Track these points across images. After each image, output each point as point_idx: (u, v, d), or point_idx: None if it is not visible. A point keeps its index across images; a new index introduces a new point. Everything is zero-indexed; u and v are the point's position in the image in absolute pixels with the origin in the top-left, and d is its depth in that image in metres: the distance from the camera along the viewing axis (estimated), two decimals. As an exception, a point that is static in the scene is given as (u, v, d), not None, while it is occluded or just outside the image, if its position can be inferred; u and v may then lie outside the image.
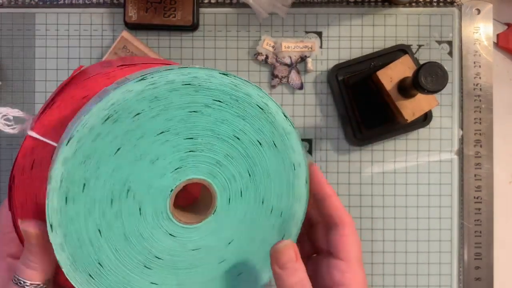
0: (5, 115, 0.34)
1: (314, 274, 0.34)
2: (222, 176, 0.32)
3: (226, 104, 0.31)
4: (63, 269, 0.29)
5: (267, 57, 0.48)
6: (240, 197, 0.33)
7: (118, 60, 0.36)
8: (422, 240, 0.48)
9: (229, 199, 0.33)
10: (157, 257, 0.31)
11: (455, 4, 0.49)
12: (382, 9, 0.48)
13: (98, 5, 0.48)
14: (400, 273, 0.48)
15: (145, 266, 0.31)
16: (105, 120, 0.28)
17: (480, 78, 0.48)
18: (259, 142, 0.33)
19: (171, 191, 0.31)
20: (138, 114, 0.29)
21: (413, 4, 0.49)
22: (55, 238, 0.28)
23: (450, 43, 0.48)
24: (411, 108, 0.42)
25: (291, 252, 0.31)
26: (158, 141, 0.30)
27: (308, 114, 0.48)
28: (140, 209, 0.30)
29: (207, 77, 0.30)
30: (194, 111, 0.30)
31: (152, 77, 0.29)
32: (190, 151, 0.31)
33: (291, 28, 0.48)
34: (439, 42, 0.48)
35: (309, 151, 0.48)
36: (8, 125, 0.33)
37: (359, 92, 0.47)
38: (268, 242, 0.34)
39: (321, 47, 0.48)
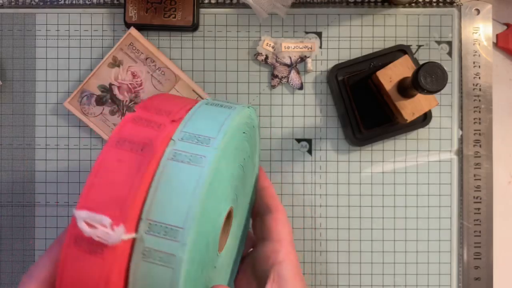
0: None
1: (254, 261, 0.37)
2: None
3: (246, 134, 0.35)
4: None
5: (267, 57, 0.48)
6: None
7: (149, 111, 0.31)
8: (422, 240, 0.48)
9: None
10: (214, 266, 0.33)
11: (454, 4, 0.49)
12: (382, 10, 0.49)
13: (98, 5, 0.49)
14: (399, 273, 0.48)
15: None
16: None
17: (479, 78, 0.48)
18: (242, 166, 0.36)
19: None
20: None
21: (413, 4, 0.49)
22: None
23: (449, 43, 0.48)
24: (410, 108, 0.43)
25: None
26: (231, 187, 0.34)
27: (308, 114, 0.48)
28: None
29: (246, 114, 0.34)
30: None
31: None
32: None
33: (291, 28, 0.48)
34: (439, 43, 0.48)
35: (309, 151, 0.48)
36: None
37: (359, 92, 0.47)
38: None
39: (320, 47, 0.48)
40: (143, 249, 0.24)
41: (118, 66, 0.47)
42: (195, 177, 0.25)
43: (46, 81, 0.48)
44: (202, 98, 0.47)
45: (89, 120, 0.47)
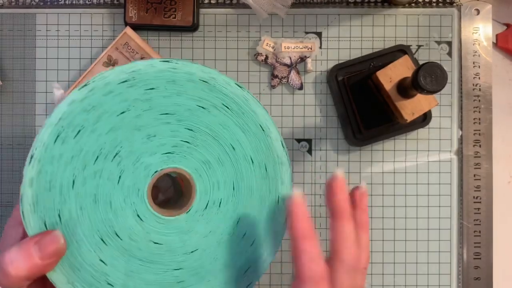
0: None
1: None
2: (208, 178, 0.33)
3: (232, 112, 0.33)
4: (22, 207, 0.29)
5: (267, 57, 0.48)
6: (217, 207, 0.33)
7: None
8: (422, 239, 0.48)
9: (207, 205, 0.33)
10: (116, 234, 0.31)
11: (454, 4, 0.49)
12: (382, 10, 0.49)
13: (98, 5, 0.49)
14: (399, 273, 0.48)
15: (101, 239, 0.31)
16: (122, 82, 0.30)
17: (479, 78, 0.48)
18: (252, 160, 0.33)
19: (155, 172, 0.31)
20: (152, 88, 0.31)
21: (413, 4, 0.49)
22: (29, 171, 0.29)
23: (449, 43, 0.48)
24: (410, 108, 0.43)
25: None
26: (160, 120, 0.31)
27: (307, 114, 0.48)
28: (120, 177, 0.31)
29: (224, 82, 0.32)
30: (202, 107, 0.32)
31: (177, 63, 0.31)
32: (186, 142, 0.32)
33: (291, 28, 0.48)
34: (439, 43, 0.49)
35: (309, 151, 0.48)
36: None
37: (359, 92, 0.47)
38: (231, 267, 0.33)
39: (320, 47, 0.48)
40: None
41: (113, 65, 0.47)
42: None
43: (46, 81, 0.48)
44: None
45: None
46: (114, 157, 0.31)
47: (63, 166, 0.30)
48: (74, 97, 0.30)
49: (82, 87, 0.30)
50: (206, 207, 0.33)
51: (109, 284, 0.31)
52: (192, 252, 0.33)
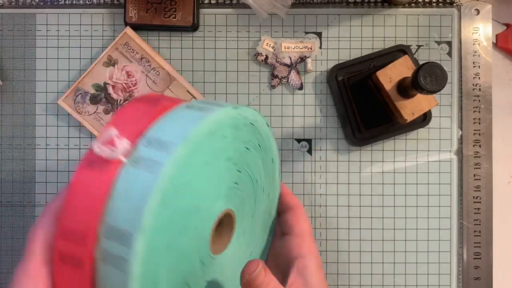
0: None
1: (276, 255, 0.38)
2: (241, 212, 0.35)
3: (261, 149, 0.36)
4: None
5: (267, 57, 0.48)
6: (239, 237, 0.35)
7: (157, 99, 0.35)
8: (422, 239, 0.48)
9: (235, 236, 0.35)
10: (188, 285, 0.31)
11: (454, 4, 0.49)
12: (382, 10, 0.49)
13: (98, 5, 0.49)
14: (399, 273, 0.48)
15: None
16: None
17: (479, 78, 0.48)
18: (263, 190, 0.36)
19: (220, 211, 0.32)
20: (224, 136, 0.32)
21: (413, 4, 0.49)
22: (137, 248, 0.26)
23: (449, 43, 0.48)
24: (410, 108, 0.43)
25: (261, 274, 0.31)
26: (225, 164, 0.32)
27: (307, 114, 0.48)
28: (197, 228, 0.31)
29: (261, 124, 0.35)
30: (247, 148, 0.34)
31: (241, 108, 0.32)
32: (236, 183, 0.33)
33: (291, 28, 0.48)
34: (439, 43, 0.49)
35: (309, 151, 0.48)
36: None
37: (359, 92, 0.47)
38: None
39: (320, 47, 0.48)
40: (102, 253, 0.26)
41: (113, 65, 0.47)
42: (147, 184, 0.25)
43: (46, 81, 0.48)
44: (196, 99, 0.48)
45: (83, 118, 0.47)
46: (196, 209, 0.30)
47: (160, 234, 0.27)
48: (178, 155, 0.27)
49: (185, 142, 0.27)
50: (235, 242, 0.35)
51: None
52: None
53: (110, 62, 0.47)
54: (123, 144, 0.28)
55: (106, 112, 0.47)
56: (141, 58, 0.47)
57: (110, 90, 0.47)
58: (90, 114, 0.47)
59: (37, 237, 0.30)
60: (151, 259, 0.26)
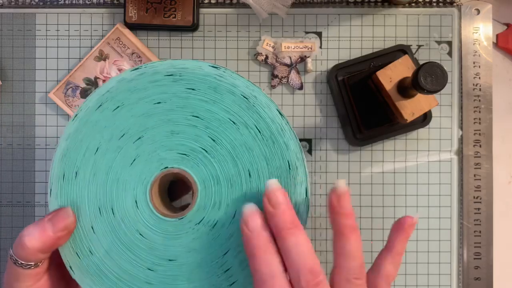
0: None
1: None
2: (212, 194, 0.32)
3: (262, 137, 0.31)
4: (54, 155, 0.32)
5: (267, 57, 0.48)
6: (211, 228, 0.31)
7: None
8: (422, 239, 0.48)
9: (201, 220, 0.31)
10: (112, 209, 0.32)
11: (454, 4, 0.49)
12: (382, 10, 0.49)
13: (98, 5, 0.49)
14: (399, 273, 0.48)
15: (99, 208, 0.32)
16: (169, 75, 0.32)
17: (479, 78, 0.48)
18: (232, 121, 0.31)
19: (164, 168, 0.32)
20: (192, 89, 0.32)
21: (413, 4, 0.49)
22: (69, 127, 0.32)
23: (449, 43, 0.48)
24: (410, 108, 0.43)
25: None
26: (189, 121, 0.32)
27: (308, 114, 0.48)
28: (134, 160, 0.32)
29: (265, 104, 0.32)
30: (233, 122, 0.32)
31: (224, 72, 0.32)
32: (203, 149, 0.32)
33: (291, 28, 0.48)
34: (439, 42, 0.49)
35: (309, 151, 0.48)
36: None
37: (359, 92, 0.47)
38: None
39: (320, 47, 0.48)
40: None
41: (104, 60, 0.47)
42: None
43: (46, 81, 0.48)
44: None
45: (73, 112, 0.47)
46: (136, 140, 0.32)
47: (95, 132, 0.32)
48: (125, 76, 0.32)
49: (134, 69, 0.32)
50: (199, 223, 0.31)
51: (90, 252, 0.32)
52: (169, 260, 0.32)
53: (102, 57, 0.47)
54: None
55: None
56: (132, 53, 0.47)
57: (101, 84, 0.47)
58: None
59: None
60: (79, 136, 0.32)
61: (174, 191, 0.39)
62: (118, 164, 0.32)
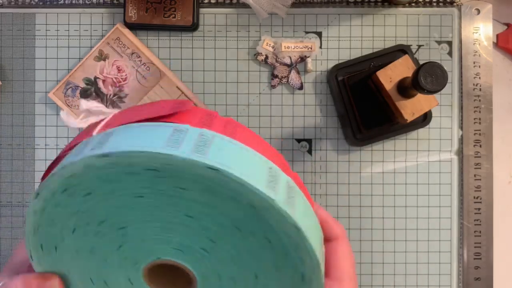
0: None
1: None
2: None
3: (272, 248, 0.26)
4: (25, 226, 0.28)
5: (267, 57, 0.48)
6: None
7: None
8: (422, 240, 0.48)
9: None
10: (105, 283, 0.29)
11: (454, 4, 0.49)
12: (382, 10, 0.48)
13: (98, 5, 0.49)
14: (399, 273, 0.48)
15: (90, 279, 0.29)
16: (150, 170, 0.24)
17: (479, 78, 0.48)
18: (237, 228, 0.26)
19: (158, 258, 0.28)
20: (183, 188, 0.24)
21: (413, 4, 0.49)
22: (34, 205, 0.26)
23: (449, 43, 0.48)
24: (410, 108, 0.43)
25: None
26: (182, 220, 0.26)
27: (308, 114, 0.48)
28: (121, 246, 0.28)
29: (187, 167, 0.23)
30: (238, 229, 0.25)
31: (117, 157, 0.24)
32: (203, 249, 0.27)
33: (291, 28, 0.48)
34: (439, 42, 0.48)
35: (309, 151, 0.48)
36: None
37: (359, 92, 0.47)
38: None
39: (320, 47, 0.48)
40: None
41: (104, 59, 0.47)
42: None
43: (46, 81, 0.48)
44: (186, 96, 0.47)
45: (73, 111, 0.47)
46: (120, 229, 0.27)
47: (67, 215, 0.26)
48: (92, 162, 0.24)
49: (103, 156, 0.24)
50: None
51: None
52: None
53: (101, 57, 0.47)
54: None
55: None
56: (132, 53, 0.47)
57: (100, 84, 0.47)
58: (79, 108, 0.47)
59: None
60: (48, 221, 0.27)
61: None
62: (103, 247, 0.27)
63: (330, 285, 0.29)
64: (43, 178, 0.29)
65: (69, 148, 0.28)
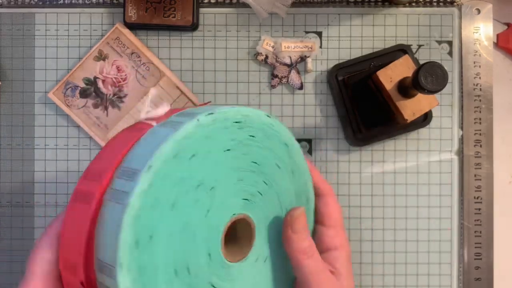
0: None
1: None
2: (265, 232, 0.34)
3: (294, 178, 0.35)
4: (123, 217, 0.26)
5: (267, 57, 0.48)
6: (263, 262, 0.34)
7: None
8: (422, 240, 0.48)
9: (257, 259, 0.33)
10: (188, 269, 0.29)
11: (455, 4, 0.49)
12: (382, 9, 0.48)
13: (97, 5, 0.48)
14: (400, 273, 0.48)
15: (175, 271, 0.28)
16: (236, 122, 0.31)
17: (480, 78, 0.48)
18: (278, 166, 0.34)
19: (233, 215, 0.32)
20: (253, 136, 0.32)
21: (413, 4, 0.49)
22: (143, 181, 0.26)
23: (450, 43, 0.48)
24: (411, 108, 0.42)
25: (304, 220, 0.33)
26: (250, 167, 0.32)
27: (308, 114, 0.48)
28: (208, 211, 0.30)
29: (297, 151, 0.35)
30: (279, 167, 0.34)
31: (275, 121, 0.33)
32: (260, 193, 0.33)
33: (291, 28, 0.48)
34: (439, 42, 0.48)
35: (309, 151, 0.48)
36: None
37: (359, 92, 0.47)
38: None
39: (321, 47, 0.48)
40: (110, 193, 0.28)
41: (104, 59, 0.47)
42: (118, 216, 0.26)
43: (45, 81, 0.48)
44: (186, 96, 0.47)
45: (72, 112, 0.47)
46: (210, 190, 0.30)
47: (171, 186, 0.28)
48: (202, 121, 0.29)
49: (208, 114, 0.30)
50: (256, 260, 0.33)
51: None
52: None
53: (101, 57, 0.47)
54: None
55: (95, 106, 0.47)
56: (132, 53, 0.47)
57: (100, 84, 0.47)
58: (79, 108, 0.47)
59: (38, 257, 0.30)
60: (151, 202, 0.27)
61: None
62: (195, 217, 0.29)
63: (327, 231, 0.36)
64: (87, 177, 0.30)
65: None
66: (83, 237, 0.28)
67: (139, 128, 0.31)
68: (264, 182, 0.33)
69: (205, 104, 0.38)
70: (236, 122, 0.31)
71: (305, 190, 0.36)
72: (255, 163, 0.32)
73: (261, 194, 0.33)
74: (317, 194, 0.37)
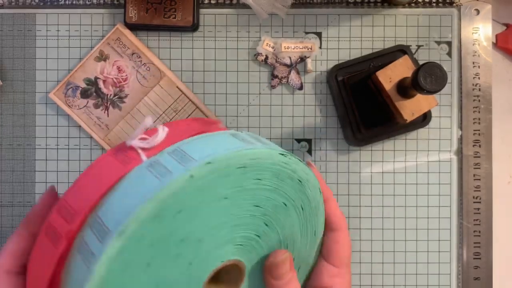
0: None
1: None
2: (256, 271, 0.31)
3: (304, 215, 0.32)
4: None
5: (267, 57, 0.48)
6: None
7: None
8: (421, 239, 0.48)
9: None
10: None
11: (454, 4, 0.49)
12: (382, 10, 0.49)
13: (98, 5, 0.49)
14: (399, 273, 0.48)
15: None
16: (240, 168, 0.26)
17: (479, 78, 0.48)
18: (284, 204, 0.31)
19: (221, 262, 0.29)
20: (259, 179, 0.28)
21: (412, 4, 0.49)
22: (110, 248, 0.24)
23: (449, 43, 0.48)
24: (410, 108, 0.43)
25: (287, 265, 0.31)
26: (250, 212, 0.29)
27: (307, 114, 0.48)
28: (191, 263, 0.27)
29: (312, 186, 0.31)
30: (285, 204, 0.30)
31: (290, 159, 0.29)
32: (257, 236, 0.30)
33: (291, 28, 0.48)
34: (438, 43, 0.49)
35: (309, 151, 0.48)
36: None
37: (359, 92, 0.47)
38: None
39: (320, 47, 0.48)
40: (80, 240, 0.26)
41: (104, 60, 0.47)
42: (148, 190, 0.24)
43: (47, 81, 0.48)
44: (187, 96, 0.47)
45: (73, 112, 0.47)
46: (197, 242, 0.26)
47: (147, 246, 0.24)
48: (196, 175, 0.25)
49: (206, 164, 0.25)
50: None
51: None
52: None
53: (102, 57, 0.47)
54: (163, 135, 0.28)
55: (96, 106, 0.48)
56: (132, 54, 0.47)
57: (101, 84, 0.47)
58: (80, 108, 0.47)
59: (7, 247, 0.30)
60: (121, 267, 0.24)
61: None
62: (173, 273, 0.26)
63: (330, 268, 0.34)
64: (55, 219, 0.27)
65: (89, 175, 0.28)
66: (46, 277, 0.26)
67: (127, 158, 0.27)
68: (265, 223, 0.30)
69: (214, 123, 0.33)
70: (240, 167, 0.27)
71: (313, 225, 0.33)
72: (257, 206, 0.29)
73: (259, 236, 0.30)
74: (329, 229, 0.35)
